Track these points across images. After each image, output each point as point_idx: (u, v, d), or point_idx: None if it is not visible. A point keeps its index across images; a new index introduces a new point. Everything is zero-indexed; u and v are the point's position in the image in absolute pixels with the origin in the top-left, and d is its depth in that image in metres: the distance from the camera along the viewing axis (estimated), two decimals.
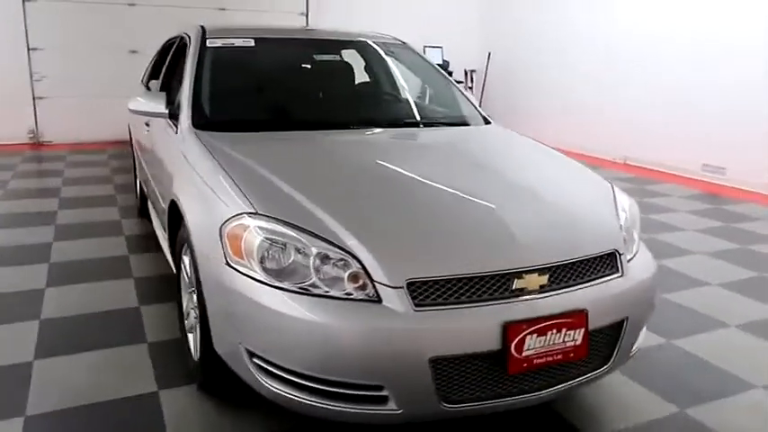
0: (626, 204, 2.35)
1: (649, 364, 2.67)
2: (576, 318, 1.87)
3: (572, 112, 8.14)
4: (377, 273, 1.76)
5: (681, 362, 2.74)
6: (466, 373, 1.78)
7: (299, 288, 1.80)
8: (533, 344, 1.80)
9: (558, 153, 2.80)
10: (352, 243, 1.82)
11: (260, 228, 1.88)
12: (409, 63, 3.51)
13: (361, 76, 3.37)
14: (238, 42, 3.17)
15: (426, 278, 1.77)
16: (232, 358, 1.99)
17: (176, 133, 2.74)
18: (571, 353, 1.88)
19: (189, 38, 3.26)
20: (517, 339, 1.78)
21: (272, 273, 1.83)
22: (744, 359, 2.78)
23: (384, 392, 1.76)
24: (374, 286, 1.76)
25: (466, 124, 3.10)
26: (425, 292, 1.77)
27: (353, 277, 1.78)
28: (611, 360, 2.04)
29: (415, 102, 3.27)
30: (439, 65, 6.55)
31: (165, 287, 3.38)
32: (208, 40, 3.12)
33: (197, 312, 2.30)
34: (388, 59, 3.50)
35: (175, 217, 2.55)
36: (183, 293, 2.58)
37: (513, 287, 1.84)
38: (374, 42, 3.52)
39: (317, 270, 1.80)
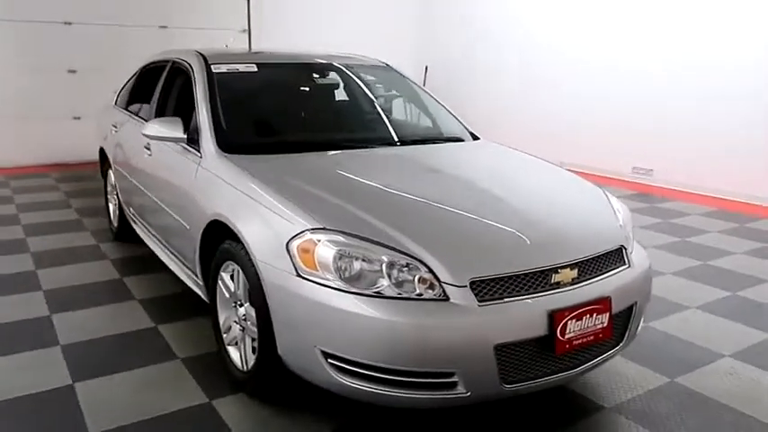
0: (618, 206, 2.75)
1: (636, 343, 3.09)
2: (603, 304, 2.23)
3: (509, 123, 8.71)
4: (443, 275, 2.04)
5: (660, 340, 3.18)
6: (522, 357, 2.09)
7: (374, 292, 2.05)
8: (573, 328, 2.14)
9: (548, 163, 3.19)
10: (416, 250, 2.09)
11: (331, 241, 2.12)
12: (398, 84, 3.81)
13: (357, 97, 3.63)
14: (242, 68, 3.36)
15: (485, 277, 2.07)
16: (301, 361, 2.20)
17: (200, 157, 2.89)
18: (600, 334, 2.24)
19: (188, 64, 3.41)
20: (561, 324, 2.11)
21: (347, 281, 2.07)
22: (708, 334, 3.25)
23: (454, 378, 2.03)
24: (441, 287, 2.04)
25: (461, 140, 3.44)
26: (485, 289, 2.06)
27: (422, 280, 2.05)
28: (625, 339, 2.41)
29: (412, 121, 3.57)
30: None
31: (176, 306, 3.49)
32: (212, 66, 3.29)
33: (246, 324, 2.49)
34: (379, 80, 3.78)
35: (211, 236, 2.71)
36: (219, 309, 2.75)
37: (552, 281, 2.17)
38: (363, 65, 3.80)
39: (389, 275, 2.06)
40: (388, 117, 3.51)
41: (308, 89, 3.56)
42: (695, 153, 6.62)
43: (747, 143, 6.19)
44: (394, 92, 3.78)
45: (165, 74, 3.75)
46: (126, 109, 4.32)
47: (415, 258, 2.07)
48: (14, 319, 3.31)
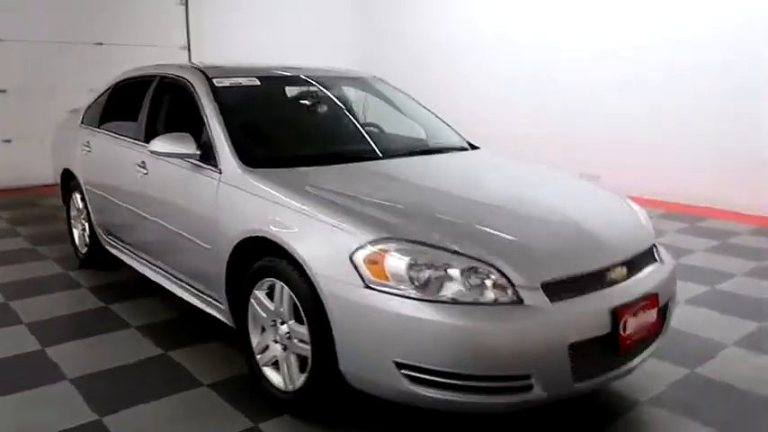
0: (637, 208, 2.91)
1: None
2: (652, 300, 2.35)
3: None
4: (516, 278, 2.09)
5: (669, 334, 3.36)
6: (590, 354, 2.17)
7: (450, 299, 2.07)
8: (632, 323, 2.24)
9: (560, 171, 3.33)
10: (487, 255, 2.13)
11: (401, 250, 2.12)
12: (392, 95, 3.85)
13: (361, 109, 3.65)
14: (244, 82, 3.30)
15: (555, 279, 2.14)
16: (369, 374, 2.18)
17: (220, 173, 2.81)
18: (650, 328, 2.36)
19: (186, 80, 3.30)
20: (623, 321, 2.21)
21: (421, 289, 2.07)
22: (707, 325, 3.48)
23: (531, 380, 2.08)
24: (515, 290, 2.09)
25: (466, 149, 3.52)
26: (554, 290, 2.13)
27: (496, 284, 2.09)
28: (664, 331, 2.55)
29: (418, 131, 3.62)
30: None
31: (178, 331, 3.35)
32: (214, 80, 3.22)
33: (291, 343, 2.44)
34: (373, 93, 3.81)
35: (240, 255, 2.64)
36: (251, 330, 2.67)
37: (608, 279, 2.28)
38: (357, 77, 3.84)
39: (463, 282, 2.08)
40: (394, 128, 3.54)
41: (311, 102, 3.53)
42: (644, 159, 7.04)
43: (693, 148, 6.65)
44: (387, 103, 3.81)
45: (151, 90, 3.61)
46: (99, 127, 4.11)
47: (488, 263, 2.11)
48: (5, 355, 3.06)
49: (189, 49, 8.51)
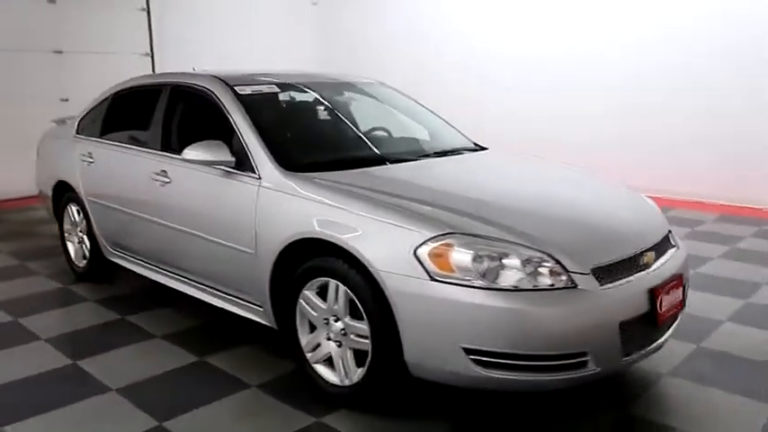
0: (651, 201, 3.20)
1: None
2: (678, 280, 2.63)
3: None
4: (570, 264, 2.32)
5: None
6: (635, 330, 2.42)
7: (511, 286, 2.27)
8: (665, 301, 2.51)
9: (572, 167, 3.60)
10: (543, 244, 2.34)
11: (464, 244, 2.31)
12: (399, 100, 4.04)
13: (378, 113, 3.82)
14: (265, 89, 3.42)
15: (602, 264, 2.38)
16: (437, 362, 2.35)
17: (259, 179, 2.92)
18: (678, 306, 2.64)
19: (206, 88, 3.39)
20: (659, 299, 2.47)
21: (485, 278, 2.27)
22: (701, 306, 3.81)
23: (586, 357, 2.31)
24: (569, 275, 2.31)
25: (477, 150, 3.73)
26: (602, 275, 2.37)
27: (553, 271, 2.30)
28: (683, 308, 2.83)
29: (429, 134, 3.81)
30: None
31: (207, 338, 3.42)
32: (236, 88, 3.32)
33: (347, 339, 2.59)
34: (383, 97, 3.98)
35: (287, 257, 2.77)
36: (300, 330, 2.80)
37: (642, 263, 2.53)
38: (366, 82, 4.01)
39: (524, 270, 2.29)
40: (412, 131, 3.73)
41: (331, 107, 3.68)
42: (613, 157, 7.44)
43: (658, 145, 7.10)
44: (398, 107, 3.99)
45: (164, 99, 3.66)
46: (102, 137, 4.12)
47: (544, 252, 2.32)
48: (37, 371, 3.07)
49: (152, 57, 8.43)
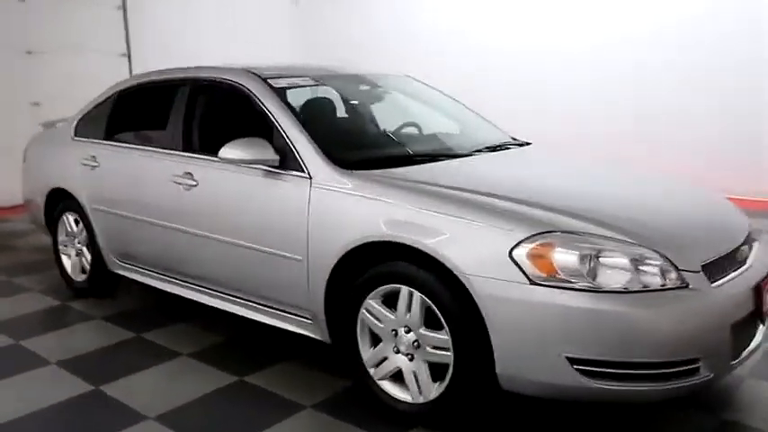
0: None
1: None
2: None
3: None
4: (680, 262, 2.14)
5: None
6: (744, 332, 2.26)
7: (621, 288, 2.09)
8: (765, 297, 2.36)
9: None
10: (649, 242, 2.17)
11: (567, 243, 2.12)
12: (430, 94, 3.84)
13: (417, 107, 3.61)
14: (300, 82, 3.19)
15: (710, 260, 2.22)
16: (535, 374, 2.15)
17: (309, 178, 2.68)
18: None
19: (234, 82, 3.13)
20: (764, 296, 2.32)
21: (593, 280, 2.08)
22: None
23: (698, 363, 2.13)
24: (680, 274, 2.14)
25: (521, 145, 3.55)
26: (711, 272, 2.20)
27: (662, 270, 2.13)
28: None
29: (471, 129, 3.62)
30: None
31: (236, 354, 3.16)
32: (270, 81, 3.08)
33: (421, 351, 2.37)
34: (415, 92, 3.78)
35: (350, 261, 2.54)
36: (361, 343, 2.56)
37: (740, 258, 2.39)
38: (395, 76, 3.80)
39: (632, 270, 2.11)
40: (451, 126, 3.54)
41: (368, 101, 3.46)
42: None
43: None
44: (431, 101, 3.79)
45: (183, 96, 3.37)
46: (107, 139, 3.80)
47: (652, 249, 2.14)
48: (55, 400, 2.75)
49: (129, 57, 8.04)
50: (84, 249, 4.01)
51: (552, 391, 2.19)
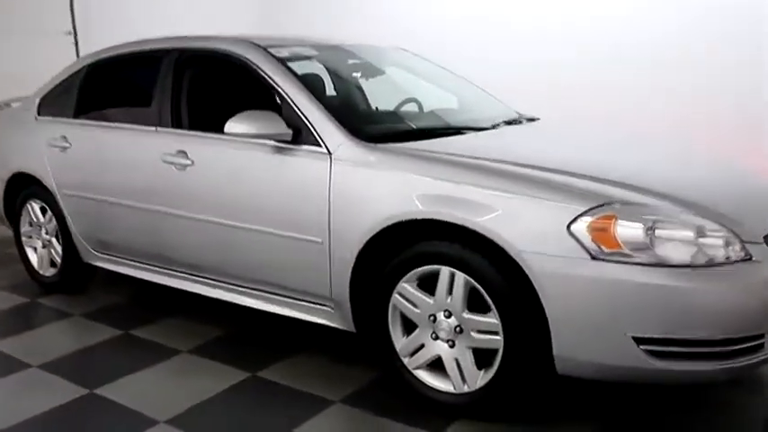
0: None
1: None
2: None
3: None
4: (745, 234, 2.05)
5: None
6: None
7: (687, 262, 1.98)
8: None
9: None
10: (709, 212, 2.07)
11: (630, 215, 2.00)
12: (432, 69, 3.66)
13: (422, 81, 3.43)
14: (304, 52, 2.97)
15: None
16: (595, 354, 2.03)
17: (329, 153, 2.48)
18: None
19: (229, 52, 2.89)
20: None
21: (659, 255, 1.97)
22: None
23: (763, 339, 2.06)
24: (743, 246, 2.05)
25: (532, 120, 3.42)
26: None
27: (727, 242, 2.04)
28: None
29: (478, 103, 3.46)
30: None
31: (242, 348, 2.95)
32: (271, 50, 2.85)
33: (463, 336, 2.23)
34: (411, 64, 3.59)
35: (376, 246, 2.36)
36: (393, 331, 2.40)
37: None
38: (393, 48, 3.61)
39: (695, 242, 2.01)
40: (455, 101, 3.38)
41: (375, 73, 3.26)
42: None
43: None
44: (432, 75, 3.61)
45: (168, 68, 3.09)
46: (79, 117, 3.47)
47: (715, 221, 2.05)
48: (48, 406, 2.47)
49: (75, 35, 7.53)
50: (54, 240, 3.69)
51: (613, 374, 2.08)
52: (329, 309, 2.60)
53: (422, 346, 2.35)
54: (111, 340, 3.10)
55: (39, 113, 3.69)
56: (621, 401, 2.42)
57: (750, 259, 2.04)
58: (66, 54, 7.11)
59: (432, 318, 2.31)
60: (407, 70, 3.59)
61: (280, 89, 2.67)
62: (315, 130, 2.54)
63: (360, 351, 2.78)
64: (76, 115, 3.50)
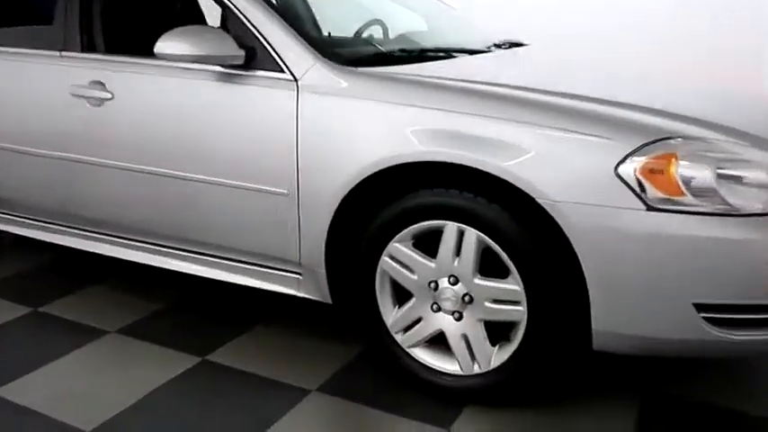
0: None
1: None
2: None
3: None
4: None
5: None
6: None
7: (760, 210, 1.62)
8: None
9: None
10: None
11: (693, 154, 1.61)
12: None
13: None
14: None
15: None
16: (645, 326, 1.67)
17: (295, 80, 1.96)
18: None
19: None
20: None
21: (732, 202, 1.60)
22: None
23: None
24: None
25: (520, 45, 2.97)
26: None
27: None
28: None
29: (458, 25, 2.98)
30: None
31: (185, 324, 2.45)
32: None
33: (477, 307, 1.82)
34: None
35: (360, 196, 1.90)
36: (381, 303, 1.97)
37: None
38: None
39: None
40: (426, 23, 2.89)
41: None
42: None
43: None
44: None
45: None
46: None
47: None
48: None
49: None
50: None
51: (662, 347, 1.73)
52: (297, 275, 2.13)
53: (419, 319, 1.93)
54: (14, 322, 2.51)
55: None
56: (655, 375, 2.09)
57: None
58: None
59: (432, 285, 1.88)
60: None
61: (235, 4, 2.10)
62: (274, 50, 2.01)
63: (334, 324, 2.34)
64: None
